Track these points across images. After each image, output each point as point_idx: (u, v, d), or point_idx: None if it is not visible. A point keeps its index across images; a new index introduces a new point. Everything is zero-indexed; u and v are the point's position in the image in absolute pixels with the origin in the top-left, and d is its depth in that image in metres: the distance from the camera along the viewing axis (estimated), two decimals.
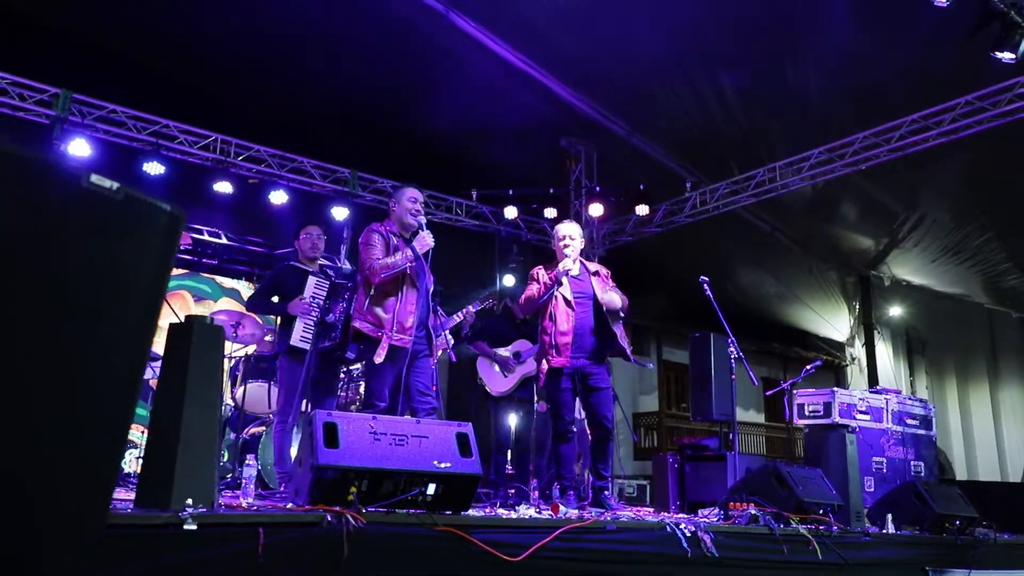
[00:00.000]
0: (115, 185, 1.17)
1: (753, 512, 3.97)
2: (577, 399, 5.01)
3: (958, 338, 17.05)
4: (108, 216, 1.16)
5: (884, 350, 15.47)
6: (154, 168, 7.85)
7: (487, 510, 4.45)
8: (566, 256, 4.92)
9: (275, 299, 5.18)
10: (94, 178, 1.14)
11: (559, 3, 7.90)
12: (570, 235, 5.01)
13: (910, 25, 7.11)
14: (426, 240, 4.38)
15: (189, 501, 2.33)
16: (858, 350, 15.12)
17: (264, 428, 5.64)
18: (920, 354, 17.69)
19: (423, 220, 4.49)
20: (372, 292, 4.35)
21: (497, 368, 6.14)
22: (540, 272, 5.05)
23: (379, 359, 4.16)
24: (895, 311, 15.40)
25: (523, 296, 5.04)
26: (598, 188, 10.35)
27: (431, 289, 4.51)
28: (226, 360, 6.12)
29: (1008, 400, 17.34)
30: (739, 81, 8.58)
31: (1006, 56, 6.11)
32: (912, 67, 7.75)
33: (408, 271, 4.36)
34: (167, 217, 1.26)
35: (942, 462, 17.01)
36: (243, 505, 2.94)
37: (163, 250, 1.27)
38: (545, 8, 8.03)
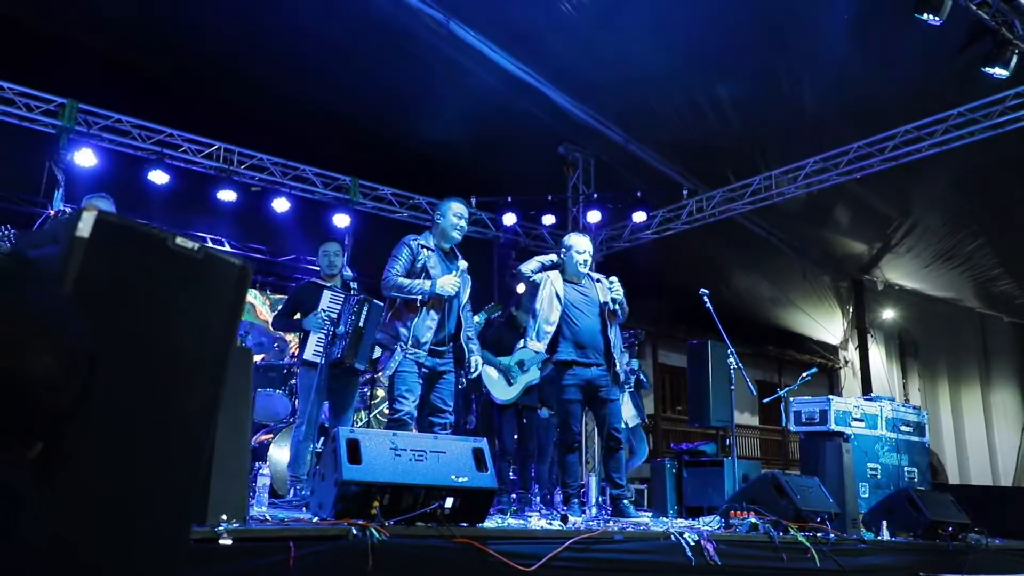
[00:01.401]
0: (196, 246, 1.29)
1: (753, 521, 4.10)
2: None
3: (950, 341, 17.21)
4: (190, 273, 1.28)
5: (877, 353, 15.62)
6: (158, 177, 7.95)
7: (494, 518, 4.57)
8: (579, 271, 5.13)
9: (297, 316, 5.28)
10: (178, 240, 1.26)
11: (558, 13, 8.02)
12: (589, 251, 5.22)
13: (904, 38, 7.26)
14: (446, 288, 4.36)
15: (224, 517, 2.44)
16: (851, 353, 15.27)
17: (272, 436, 5.75)
18: (913, 357, 17.84)
19: (464, 266, 4.55)
20: (395, 304, 4.44)
21: (501, 376, 6.25)
22: (556, 282, 5.18)
23: (388, 372, 4.25)
24: (888, 315, 15.56)
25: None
26: (595, 195, 10.48)
27: (464, 303, 4.55)
28: None
29: (1000, 403, 17.52)
30: (735, 91, 8.72)
31: (998, 72, 6.25)
32: (906, 78, 7.90)
33: None
34: (238, 271, 1.38)
35: (934, 464, 17.18)
36: (267, 518, 3.05)
37: (234, 300, 1.39)
38: (544, 18, 8.15)
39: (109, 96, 7.91)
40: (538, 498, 6.30)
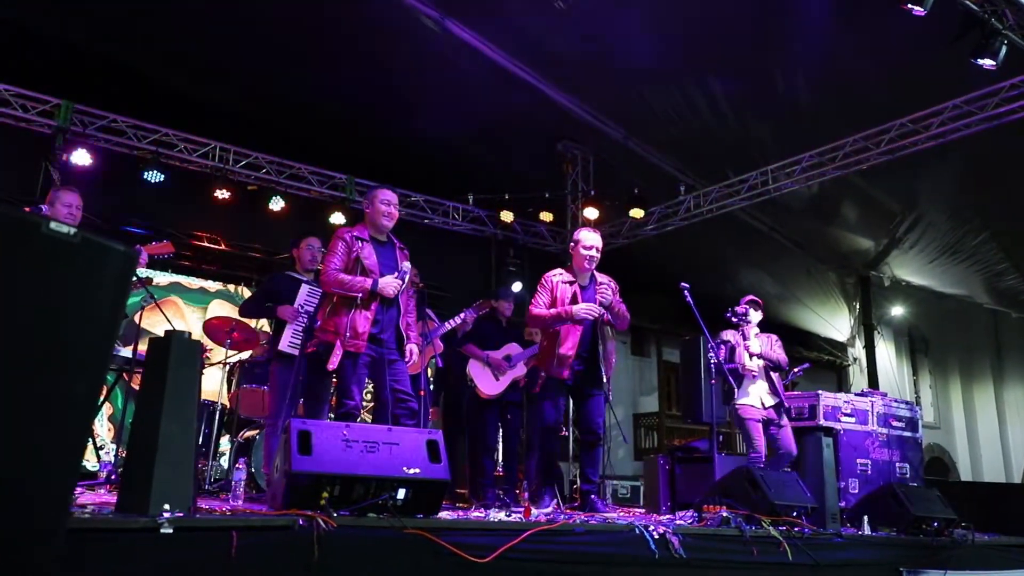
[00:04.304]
0: (72, 230, 1.31)
1: (725, 514, 4.08)
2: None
3: (962, 338, 17.05)
4: (66, 259, 1.30)
5: (885, 350, 15.48)
6: (154, 176, 8.02)
7: (469, 513, 4.58)
8: (585, 266, 4.97)
9: (268, 305, 5.30)
10: (53, 225, 1.28)
11: (554, 10, 8.02)
12: (596, 247, 5.00)
13: (897, 30, 7.20)
14: (387, 289, 4.31)
15: (166, 506, 2.47)
16: (859, 350, 15.15)
17: (258, 432, 5.79)
18: (923, 354, 17.70)
19: (407, 267, 4.45)
20: (334, 299, 4.39)
21: (489, 371, 6.26)
22: (556, 284, 4.97)
23: (331, 366, 4.23)
24: (897, 311, 15.42)
25: (533, 311, 4.96)
26: (593, 192, 10.47)
27: (407, 292, 4.50)
28: (221, 365, 6.29)
29: (1012, 400, 17.34)
30: (731, 86, 8.69)
31: (986, 63, 6.19)
32: (900, 71, 7.83)
33: (368, 274, 4.36)
34: (121, 256, 1.40)
35: (945, 462, 17.05)
36: (226, 509, 3.07)
37: (118, 285, 1.40)
38: (540, 14, 8.14)
39: (104, 96, 7.99)
40: (527, 493, 6.30)
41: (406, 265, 4.50)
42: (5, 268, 1.23)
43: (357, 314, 4.27)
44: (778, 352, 6.13)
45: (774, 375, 6.07)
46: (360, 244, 4.43)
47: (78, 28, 8.03)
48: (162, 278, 8.80)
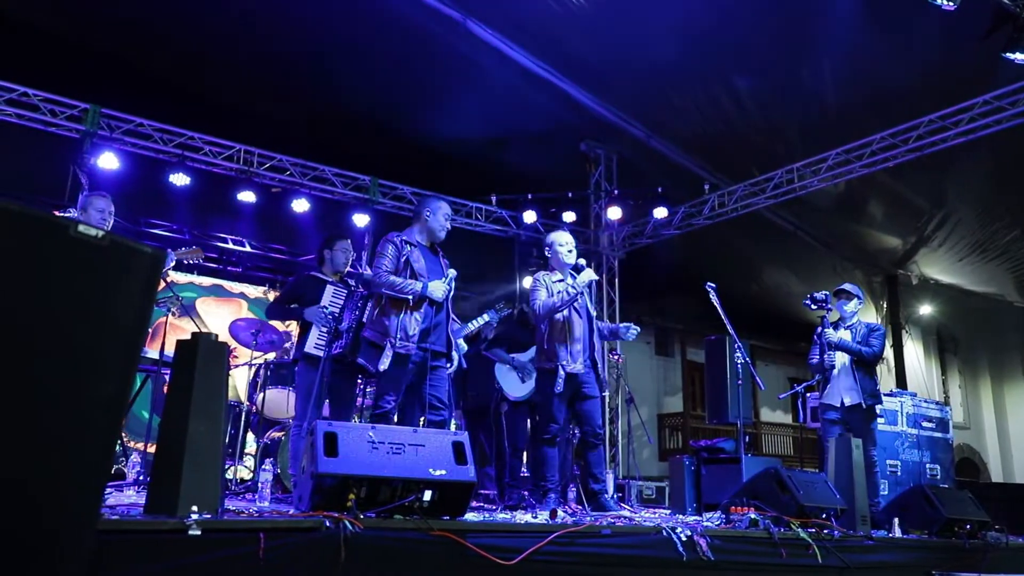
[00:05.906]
0: (100, 233, 1.31)
1: (753, 516, 4.03)
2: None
3: (992, 337, 16.83)
4: (94, 261, 1.30)
5: (914, 349, 15.30)
6: (180, 179, 8.09)
7: (494, 513, 4.57)
8: (567, 262, 5.09)
9: (294, 306, 5.32)
10: (81, 228, 1.28)
11: (576, 10, 8.00)
12: (572, 241, 5.20)
13: (925, 26, 7.11)
14: (436, 292, 4.42)
15: (194, 508, 2.48)
16: (887, 350, 14.97)
17: (283, 432, 5.82)
18: (952, 353, 17.47)
19: (453, 273, 4.56)
20: (382, 301, 4.47)
21: (516, 374, 6.25)
22: (546, 279, 5.10)
23: (382, 366, 4.27)
24: (925, 310, 15.24)
25: (540, 304, 4.99)
26: (616, 191, 10.42)
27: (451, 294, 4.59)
28: (247, 367, 6.33)
29: None
30: (755, 84, 8.63)
31: (1018, 57, 6.09)
32: (929, 67, 7.73)
33: (418, 278, 4.45)
34: (149, 258, 1.40)
35: (976, 463, 16.81)
36: (254, 510, 3.08)
37: (146, 287, 1.41)
38: (562, 15, 8.13)
39: (131, 101, 8.07)
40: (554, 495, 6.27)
41: (452, 272, 4.61)
42: (34, 270, 1.23)
43: (407, 317, 4.37)
44: (872, 344, 5.66)
45: (859, 371, 5.63)
46: (410, 248, 4.56)
47: (104, 34, 8.12)
48: (204, 280, 8.88)
